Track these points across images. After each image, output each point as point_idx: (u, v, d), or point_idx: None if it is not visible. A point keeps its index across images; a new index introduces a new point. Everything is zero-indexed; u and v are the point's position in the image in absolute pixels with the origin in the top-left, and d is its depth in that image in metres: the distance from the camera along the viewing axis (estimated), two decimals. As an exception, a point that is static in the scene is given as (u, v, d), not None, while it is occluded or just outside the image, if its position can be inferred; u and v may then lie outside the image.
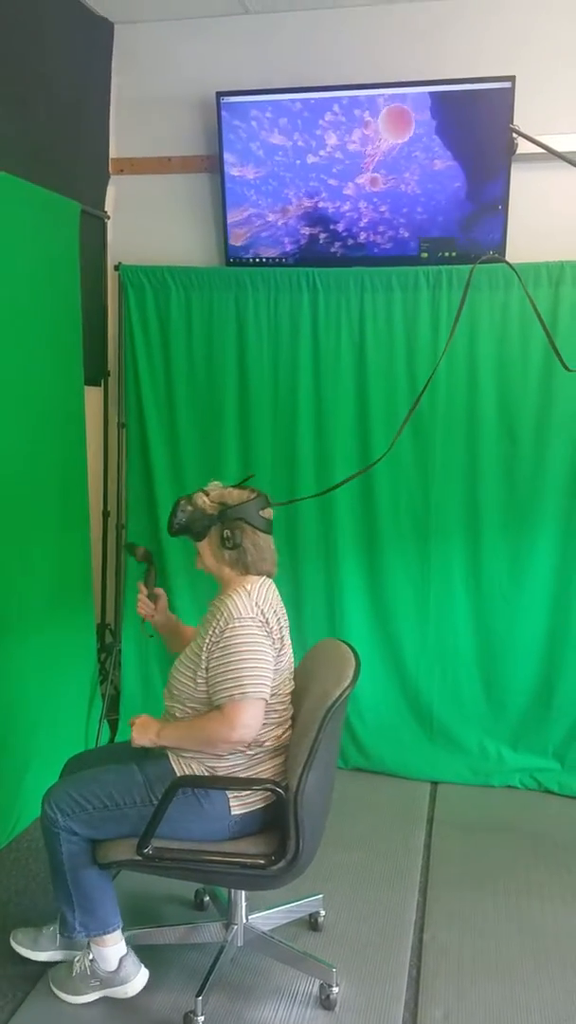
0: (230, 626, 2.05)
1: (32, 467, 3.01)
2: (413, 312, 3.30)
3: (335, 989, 2.18)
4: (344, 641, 2.27)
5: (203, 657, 2.07)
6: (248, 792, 2.07)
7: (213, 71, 3.43)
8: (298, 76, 3.30)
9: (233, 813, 2.06)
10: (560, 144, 2.75)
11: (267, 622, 2.08)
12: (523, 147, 3.08)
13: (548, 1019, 2.13)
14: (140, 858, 2.02)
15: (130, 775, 2.10)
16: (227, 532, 2.14)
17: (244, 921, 2.27)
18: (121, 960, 2.16)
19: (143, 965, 2.18)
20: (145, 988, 2.20)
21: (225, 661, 2.03)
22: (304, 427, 3.44)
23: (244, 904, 2.27)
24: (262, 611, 2.08)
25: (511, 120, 3.04)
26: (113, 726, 3.58)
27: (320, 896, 2.49)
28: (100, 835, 2.09)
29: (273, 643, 2.09)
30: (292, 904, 2.43)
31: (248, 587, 2.12)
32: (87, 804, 2.07)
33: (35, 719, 3.04)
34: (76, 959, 2.20)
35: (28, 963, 2.28)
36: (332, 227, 3.32)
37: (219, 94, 3.30)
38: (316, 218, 3.33)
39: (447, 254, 3.26)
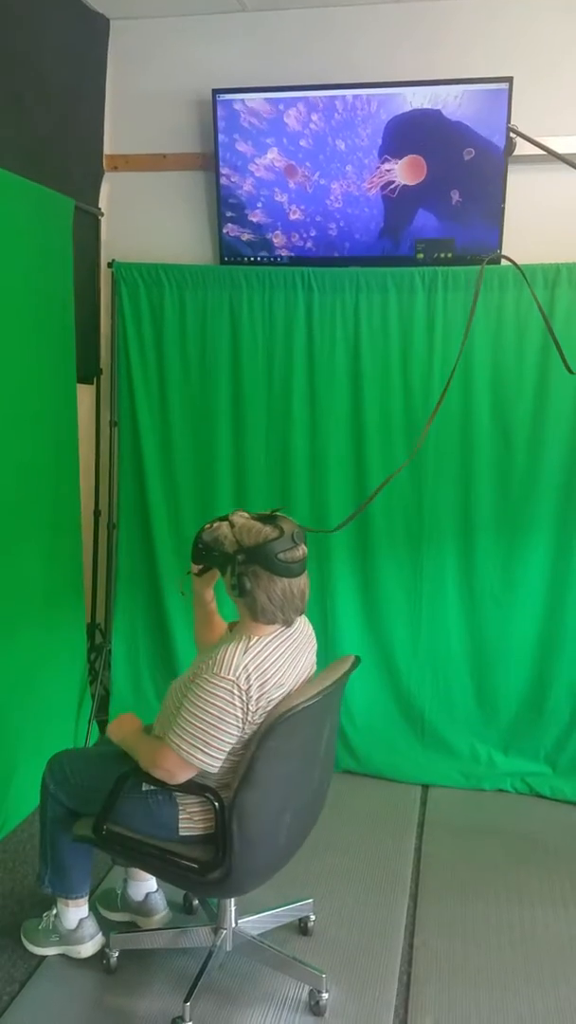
0: (206, 676, 1.90)
1: (23, 465, 2.98)
2: (408, 313, 3.28)
3: (325, 995, 2.16)
4: (357, 658, 2.16)
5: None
6: (198, 817, 2.03)
7: (209, 68, 3.41)
8: (294, 74, 3.28)
9: (180, 833, 2.05)
10: (557, 146, 2.73)
11: (249, 689, 1.88)
12: (519, 148, 3.07)
13: (539, 1026, 2.12)
14: (93, 836, 2.09)
15: (117, 763, 2.09)
16: (235, 578, 1.96)
17: (233, 926, 2.25)
18: (80, 922, 2.30)
19: (101, 932, 2.32)
20: (132, 993, 2.20)
21: (186, 706, 1.93)
22: (298, 427, 3.42)
23: (233, 909, 2.25)
24: (248, 675, 1.89)
25: (509, 121, 3.03)
26: (102, 727, 3.54)
27: (310, 900, 2.47)
28: (79, 809, 2.18)
29: (248, 713, 1.90)
30: (282, 908, 2.41)
31: (253, 640, 1.96)
32: (73, 778, 2.20)
33: (23, 719, 3.01)
34: (45, 914, 2.34)
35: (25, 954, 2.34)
36: (324, 226, 3.30)
37: (215, 91, 3.28)
38: (309, 217, 3.31)
39: (443, 255, 3.24)
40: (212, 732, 1.90)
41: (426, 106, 3.11)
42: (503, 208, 3.15)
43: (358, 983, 2.25)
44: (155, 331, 3.49)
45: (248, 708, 1.90)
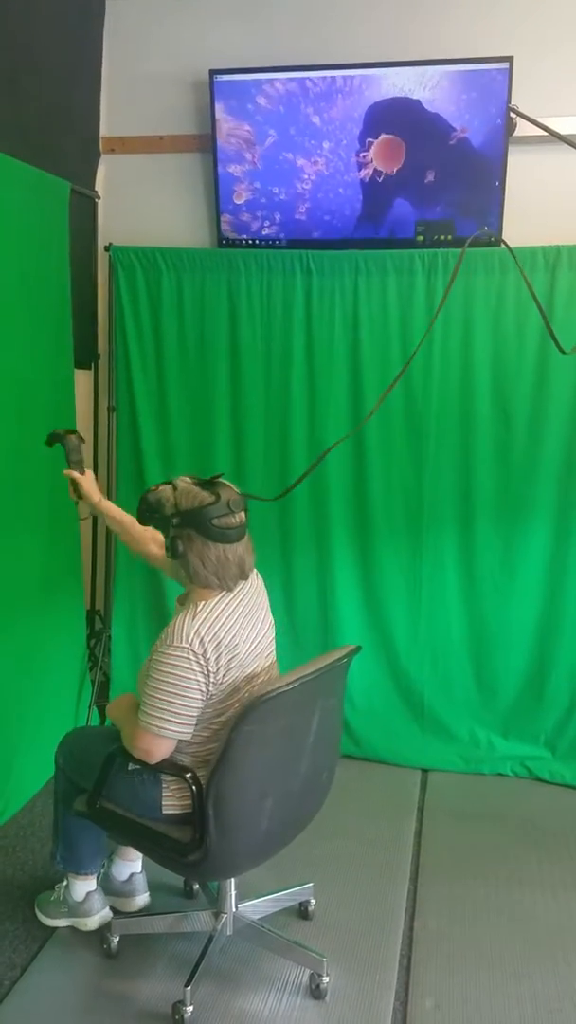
0: (161, 648, 1.95)
1: (21, 452, 2.96)
2: (408, 296, 3.25)
3: (325, 979, 2.16)
4: (357, 648, 2.16)
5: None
6: (179, 796, 2.05)
7: (206, 48, 3.38)
8: (292, 54, 3.24)
9: (164, 811, 2.07)
10: (558, 126, 2.71)
11: (204, 652, 1.92)
12: (519, 129, 3.05)
13: (539, 1008, 2.13)
14: (87, 811, 2.13)
15: (115, 742, 2.11)
16: (168, 540, 2.01)
17: (234, 910, 2.26)
18: (88, 895, 2.34)
19: (109, 908, 2.37)
20: (134, 978, 2.21)
21: (148, 683, 1.97)
22: (297, 411, 3.40)
23: (234, 893, 2.25)
24: (202, 639, 1.93)
25: (509, 101, 3.00)
26: (102, 713, 3.55)
27: (310, 884, 2.47)
28: (82, 785, 2.21)
29: (209, 674, 1.93)
30: (282, 893, 2.41)
31: (200, 606, 1.99)
32: (78, 754, 2.26)
33: (23, 707, 3.00)
34: (57, 885, 2.40)
35: (33, 927, 2.38)
36: (321, 207, 3.27)
37: (212, 72, 3.24)
38: (306, 198, 3.28)
39: (443, 237, 3.22)
40: (178, 701, 1.93)
41: (404, 94, 3.09)
42: (502, 189, 3.12)
43: (359, 966, 2.26)
44: (153, 315, 3.47)
45: (208, 670, 1.93)
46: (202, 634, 1.94)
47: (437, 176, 3.13)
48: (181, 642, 1.93)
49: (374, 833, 2.89)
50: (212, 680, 1.95)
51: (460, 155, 3.11)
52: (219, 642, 1.95)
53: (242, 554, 2.04)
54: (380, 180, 3.17)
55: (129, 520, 2.38)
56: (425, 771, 3.33)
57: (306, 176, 3.23)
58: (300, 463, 3.41)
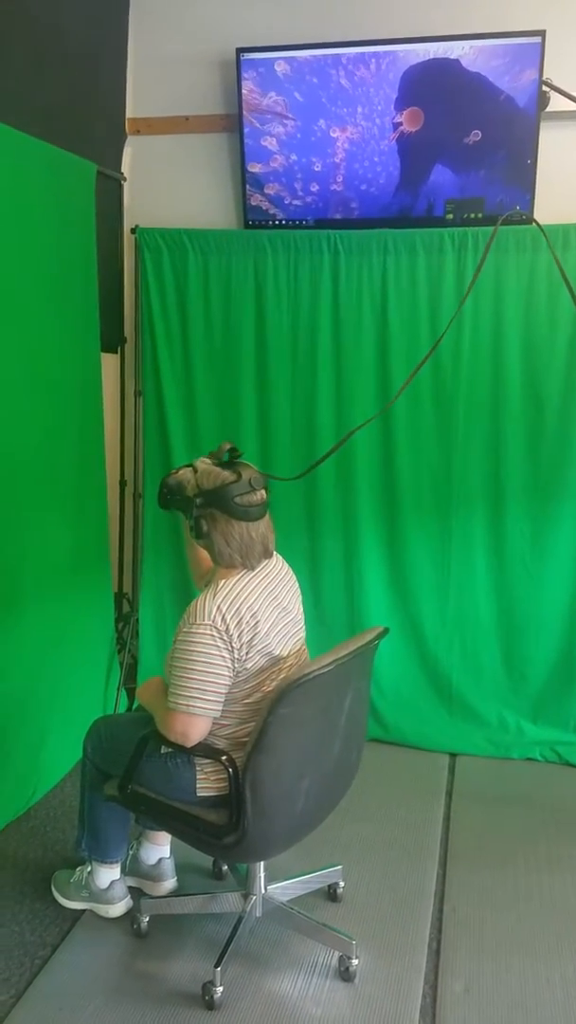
0: (185, 629, 1.97)
1: (49, 436, 2.97)
2: (437, 275, 3.21)
3: (354, 961, 2.16)
4: (385, 629, 2.15)
5: None
6: (214, 778, 2.05)
7: (232, 27, 3.33)
8: (318, 30, 3.19)
9: (198, 794, 2.07)
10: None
11: (227, 629, 1.93)
12: (552, 104, 2.99)
13: (570, 994, 2.11)
14: (119, 796, 2.13)
15: (145, 727, 2.11)
16: (192, 521, 2.04)
17: (263, 892, 2.26)
18: (112, 883, 2.35)
19: (130, 896, 2.37)
20: (163, 958, 2.22)
21: (174, 664, 1.98)
22: (324, 394, 3.38)
23: (263, 875, 2.25)
24: (224, 616, 1.94)
25: (542, 75, 2.94)
26: (131, 695, 3.57)
27: (339, 867, 2.47)
28: (111, 771, 2.21)
29: (233, 650, 1.95)
30: (311, 875, 2.41)
31: (220, 584, 2.01)
32: (107, 742, 2.26)
33: (53, 688, 3.02)
34: (79, 868, 2.41)
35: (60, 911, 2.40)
36: (352, 185, 3.23)
37: (239, 50, 3.20)
38: (336, 176, 3.24)
39: (473, 215, 3.17)
40: (205, 679, 1.94)
41: (443, 54, 3.02)
42: (533, 165, 3.06)
43: (388, 949, 2.26)
44: (179, 298, 3.45)
45: (232, 646, 1.94)
46: (223, 610, 1.95)
47: (483, 136, 3.05)
48: (204, 619, 1.94)
49: (402, 816, 2.88)
50: (236, 656, 1.95)
51: (505, 114, 3.03)
52: (240, 619, 1.96)
53: (265, 532, 2.07)
54: (417, 141, 3.10)
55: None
56: (453, 755, 3.31)
57: (340, 145, 3.18)
58: (327, 446, 3.37)
